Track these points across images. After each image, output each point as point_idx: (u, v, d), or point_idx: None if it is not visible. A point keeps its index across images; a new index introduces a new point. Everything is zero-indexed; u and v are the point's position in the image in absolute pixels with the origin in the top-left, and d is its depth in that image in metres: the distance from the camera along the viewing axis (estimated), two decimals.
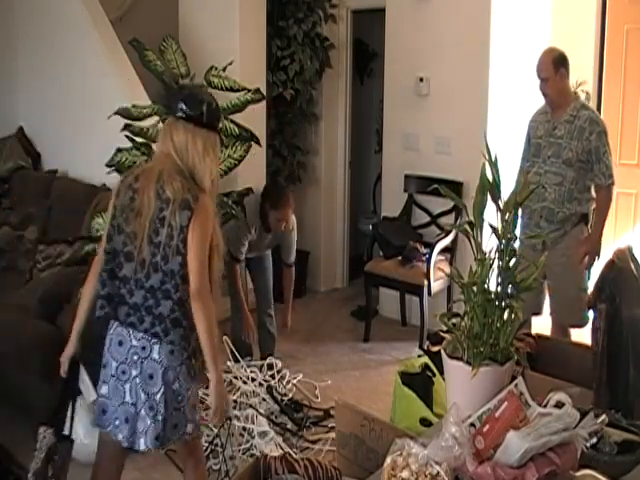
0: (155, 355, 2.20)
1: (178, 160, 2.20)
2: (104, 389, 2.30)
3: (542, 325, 3.70)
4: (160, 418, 2.22)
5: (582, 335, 3.40)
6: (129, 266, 2.21)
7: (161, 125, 3.44)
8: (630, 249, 2.10)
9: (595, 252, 3.55)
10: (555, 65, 3.53)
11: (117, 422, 2.27)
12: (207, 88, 3.46)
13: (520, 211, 3.64)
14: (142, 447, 2.26)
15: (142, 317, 2.20)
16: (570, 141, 3.54)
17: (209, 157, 2.22)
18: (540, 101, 3.77)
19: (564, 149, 3.55)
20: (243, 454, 3.30)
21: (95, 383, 2.37)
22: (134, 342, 2.23)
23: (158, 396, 2.21)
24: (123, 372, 2.25)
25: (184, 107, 2.20)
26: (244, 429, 3.40)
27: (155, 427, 2.22)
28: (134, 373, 2.23)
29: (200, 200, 2.17)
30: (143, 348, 2.21)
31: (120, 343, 2.25)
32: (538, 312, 3.75)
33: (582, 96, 3.86)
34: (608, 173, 3.52)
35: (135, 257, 2.19)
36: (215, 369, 2.22)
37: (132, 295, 2.22)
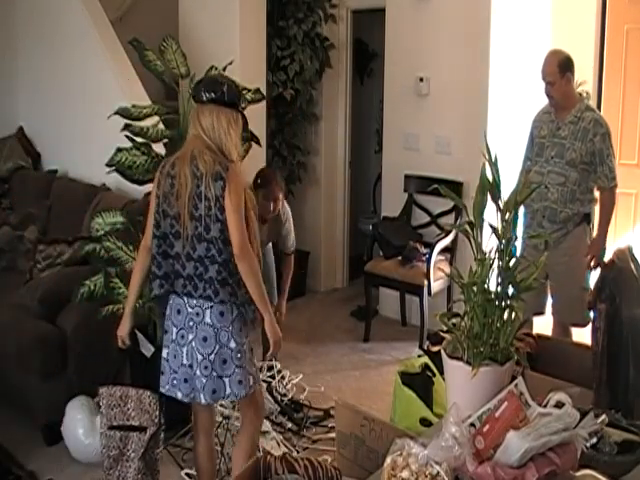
0: (207, 319, 2.46)
1: (207, 139, 2.44)
2: (165, 352, 2.58)
3: (543, 325, 3.70)
4: (214, 375, 2.47)
5: (582, 335, 3.40)
6: (179, 243, 2.47)
7: (161, 125, 3.45)
8: (630, 249, 2.10)
9: (600, 255, 3.56)
10: (561, 69, 3.51)
11: (175, 382, 2.54)
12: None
13: (522, 211, 3.68)
14: (203, 402, 2.53)
15: (196, 285, 2.47)
16: (574, 142, 3.54)
17: (234, 131, 2.47)
18: (541, 101, 3.77)
19: (568, 150, 3.55)
20: None
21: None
22: (189, 309, 2.49)
23: (212, 356, 2.46)
24: (182, 337, 2.51)
25: (206, 91, 2.45)
26: None
27: (211, 384, 2.48)
28: (190, 337, 2.49)
29: (230, 169, 2.41)
30: (197, 314, 2.48)
31: (179, 311, 2.52)
32: (541, 312, 3.75)
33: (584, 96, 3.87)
34: (611, 175, 3.53)
35: (182, 234, 2.45)
36: (267, 312, 2.53)
37: (185, 268, 2.48)
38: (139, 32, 4.28)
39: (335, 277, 6.01)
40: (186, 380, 2.51)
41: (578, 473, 1.57)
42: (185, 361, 2.50)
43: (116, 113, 3.36)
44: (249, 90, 3.49)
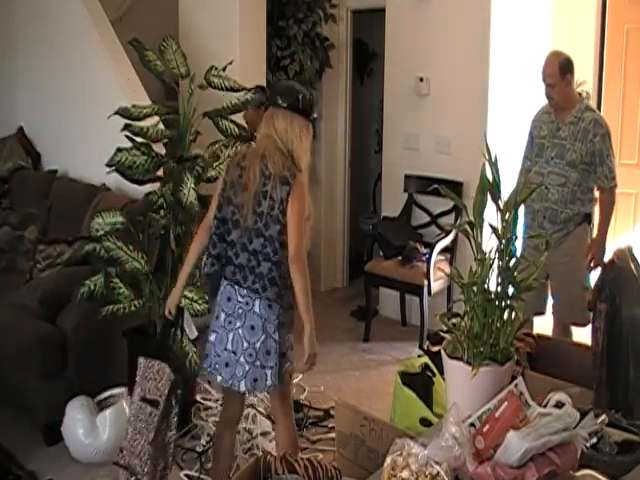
0: (256, 309, 2.55)
1: (279, 141, 2.55)
2: (212, 337, 2.65)
3: (544, 325, 3.70)
4: (258, 364, 2.53)
5: (582, 335, 3.40)
6: (236, 232, 2.57)
7: (161, 125, 3.45)
8: (630, 249, 2.10)
9: (600, 255, 3.56)
10: (562, 71, 3.50)
11: (217, 366, 2.61)
12: (207, 87, 3.46)
13: (523, 211, 3.68)
14: (242, 388, 2.59)
15: (246, 276, 2.56)
16: (574, 143, 3.54)
17: (305, 138, 2.57)
18: (540, 100, 3.77)
19: (568, 150, 3.55)
20: (245, 453, 3.30)
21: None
22: (239, 298, 2.58)
23: (258, 344, 2.53)
24: (230, 322, 2.59)
25: (283, 97, 2.56)
26: (245, 429, 3.40)
27: (253, 372, 2.54)
28: (238, 324, 2.57)
29: (297, 178, 2.51)
30: (247, 303, 2.56)
31: (229, 299, 2.61)
32: (541, 312, 3.75)
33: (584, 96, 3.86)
34: (611, 176, 3.54)
35: (241, 224, 2.55)
36: (309, 322, 2.57)
37: (237, 257, 2.57)
38: (139, 32, 4.28)
39: (335, 277, 6.00)
40: (227, 365, 2.58)
41: (578, 473, 1.58)
42: (229, 346, 2.58)
43: (116, 113, 3.36)
44: (249, 90, 3.49)
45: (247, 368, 2.54)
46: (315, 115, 2.67)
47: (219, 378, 2.62)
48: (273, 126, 2.55)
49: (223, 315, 2.61)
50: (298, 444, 2.86)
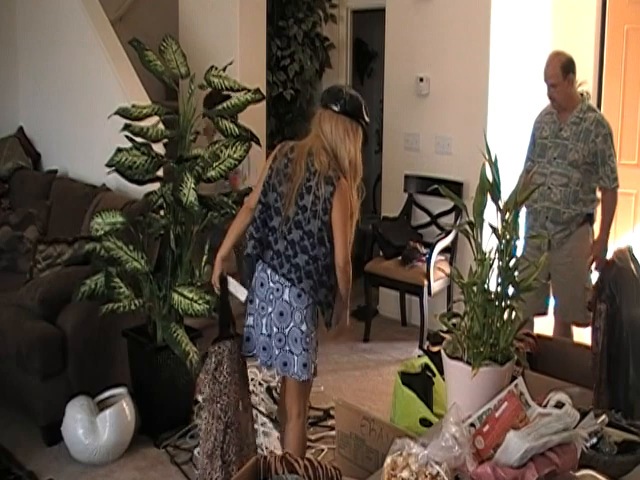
0: (286, 297, 2.65)
1: (325, 141, 2.65)
2: (250, 320, 2.77)
3: (545, 325, 3.70)
4: (287, 349, 2.66)
5: (582, 335, 3.40)
6: (277, 219, 2.67)
7: (161, 125, 3.45)
8: (630, 249, 2.10)
9: (603, 256, 3.56)
10: (564, 71, 3.50)
11: (257, 349, 2.75)
12: (207, 87, 3.46)
13: (525, 212, 3.68)
14: (279, 372, 2.75)
15: (282, 263, 2.66)
16: (576, 143, 3.54)
17: (349, 140, 2.65)
18: (540, 100, 3.77)
19: (570, 150, 3.55)
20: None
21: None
22: (271, 284, 2.68)
23: (287, 330, 2.66)
24: (262, 308, 2.72)
25: (330, 99, 2.70)
26: None
27: (283, 355, 2.67)
28: (270, 309, 2.69)
29: (341, 180, 2.61)
30: (277, 290, 2.67)
31: (262, 284, 2.72)
32: (544, 312, 3.75)
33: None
34: (613, 176, 3.54)
35: (282, 213, 2.65)
36: (347, 306, 2.80)
37: (277, 243, 2.68)
38: (139, 32, 4.29)
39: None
40: (264, 348, 2.72)
41: (578, 473, 1.58)
42: (264, 330, 2.71)
43: (116, 113, 3.36)
44: (249, 90, 3.49)
45: (277, 352, 2.68)
46: (367, 119, 2.73)
47: (259, 360, 2.76)
48: (320, 127, 2.67)
49: (257, 300, 2.74)
50: (306, 445, 2.88)
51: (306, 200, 2.60)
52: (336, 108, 2.65)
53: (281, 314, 2.65)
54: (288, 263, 2.64)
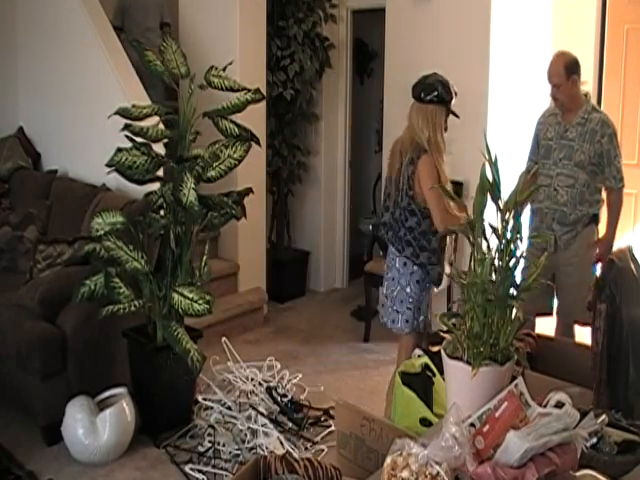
0: (396, 264, 3.31)
1: (412, 130, 3.21)
2: (384, 288, 3.42)
3: (546, 325, 3.70)
4: (395, 308, 3.31)
5: (583, 335, 3.40)
6: (389, 202, 3.33)
7: (161, 125, 3.45)
8: (630, 249, 2.10)
9: (607, 255, 3.56)
10: (567, 71, 3.49)
11: (379, 306, 3.53)
12: (207, 87, 3.46)
13: (530, 213, 3.68)
14: (389, 326, 3.39)
15: (392, 236, 3.32)
16: (582, 144, 3.53)
17: (424, 124, 3.17)
18: (541, 100, 3.77)
19: (576, 152, 3.55)
20: (247, 453, 3.30)
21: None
22: (391, 255, 3.36)
23: (395, 293, 3.31)
24: (387, 273, 3.38)
25: (412, 91, 3.25)
26: (248, 428, 3.40)
27: (390, 313, 3.34)
28: (389, 275, 3.36)
29: (421, 158, 3.14)
30: (392, 259, 3.34)
31: (388, 254, 3.39)
32: (548, 313, 3.75)
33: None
34: (619, 176, 3.54)
35: (392, 196, 3.29)
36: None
37: (390, 222, 3.32)
38: None
39: (335, 277, 6.00)
40: (383, 305, 3.42)
41: (578, 473, 1.57)
42: (385, 291, 3.39)
43: (116, 113, 3.36)
44: (249, 90, 3.49)
45: (389, 310, 3.33)
46: (443, 96, 3.18)
47: (383, 319, 3.40)
48: (410, 117, 3.23)
49: (385, 267, 3.39)
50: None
51: (400, 182, 3.18)
52: (415, 98, 3.20)
53: (393, 279, 3.30)
54: (396, 237, 3.27)
